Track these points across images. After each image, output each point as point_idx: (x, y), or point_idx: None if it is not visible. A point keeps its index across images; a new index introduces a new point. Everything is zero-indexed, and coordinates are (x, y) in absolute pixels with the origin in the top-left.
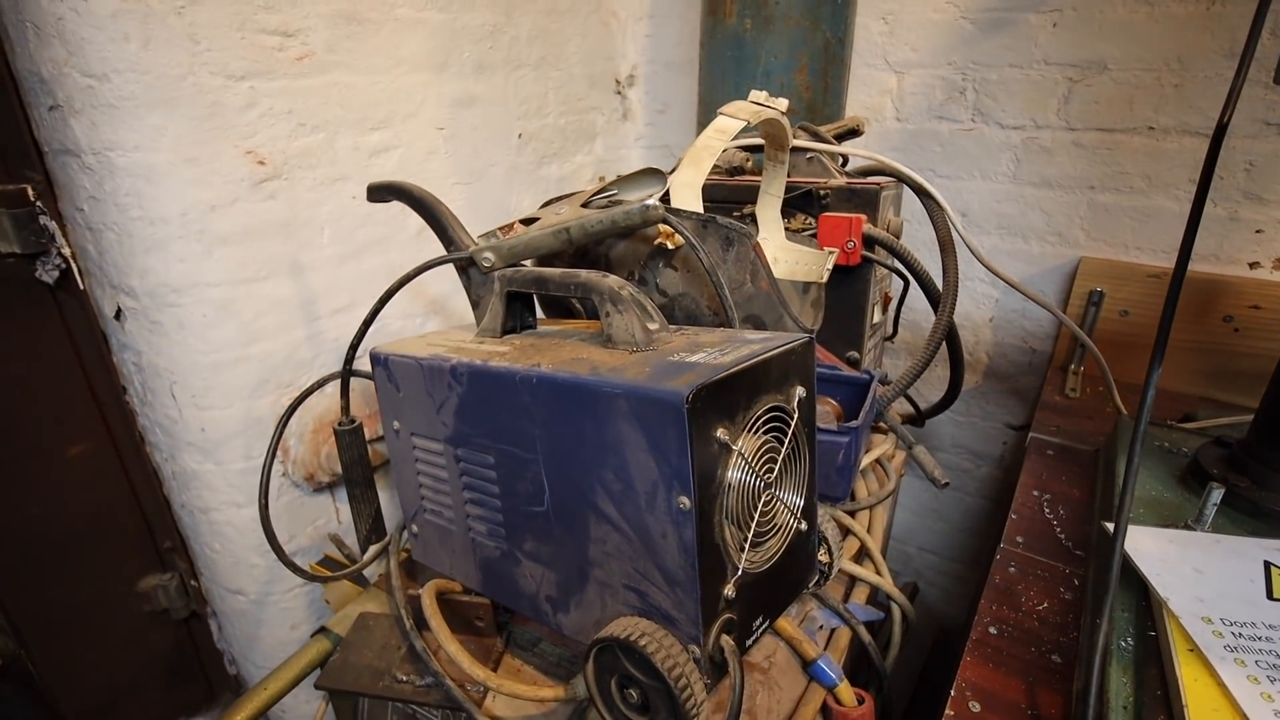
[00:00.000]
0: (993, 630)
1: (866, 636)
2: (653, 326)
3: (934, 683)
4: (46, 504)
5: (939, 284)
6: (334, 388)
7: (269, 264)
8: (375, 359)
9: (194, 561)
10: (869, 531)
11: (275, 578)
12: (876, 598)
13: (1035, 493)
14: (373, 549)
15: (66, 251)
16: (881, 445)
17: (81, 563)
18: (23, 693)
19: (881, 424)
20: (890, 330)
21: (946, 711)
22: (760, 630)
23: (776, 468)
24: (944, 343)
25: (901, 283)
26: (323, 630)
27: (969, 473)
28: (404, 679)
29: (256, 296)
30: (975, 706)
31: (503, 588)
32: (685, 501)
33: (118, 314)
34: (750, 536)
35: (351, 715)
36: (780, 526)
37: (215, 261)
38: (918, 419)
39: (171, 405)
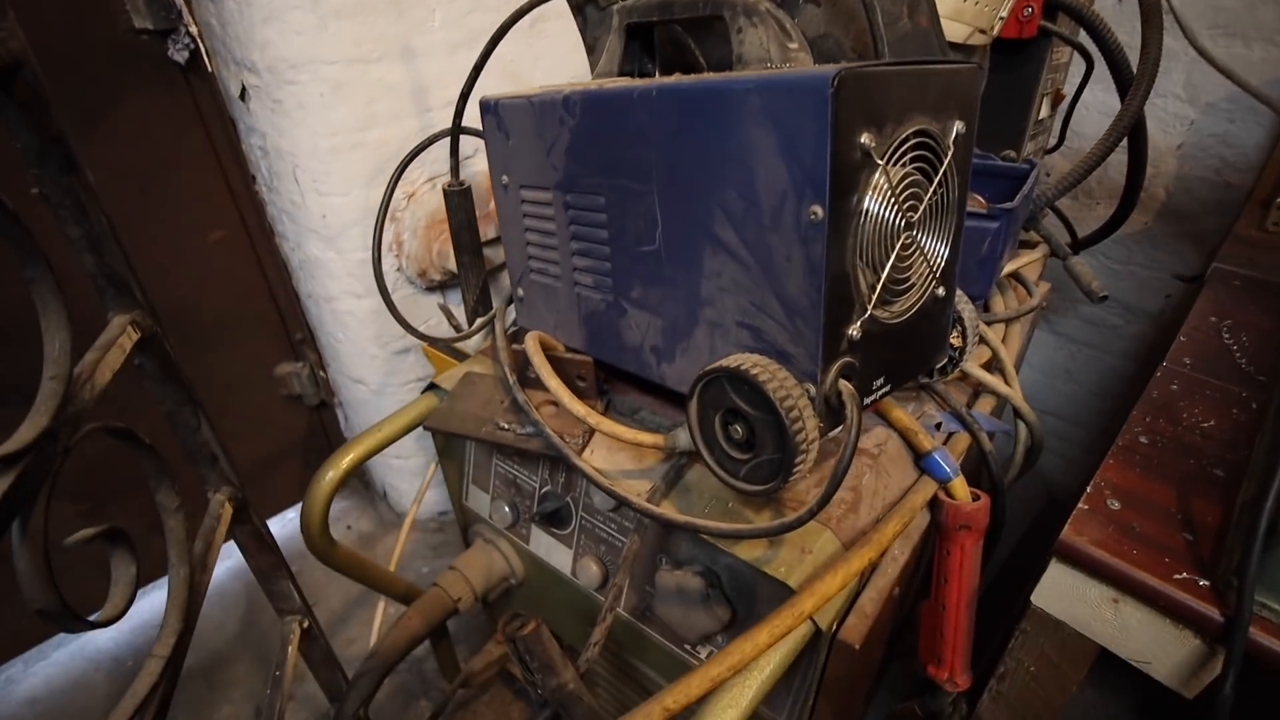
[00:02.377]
0: (1144, 439)
1: (988, 444)
2: (792, 45)
3: (1034, 549)
4: (195, 284)
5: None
6: (446, 173)
7: (381, 43)
8: (485, 106)
9: (321, 353)
10: (1004, 343)
11: (393, 369)
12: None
13: (1213, 319)
14: (480, 320)
15: (194, 29)
16: (1028, 256)
17: (227, 342)
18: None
19: (1031, 234)
20: (1056, 138)
21: (1080, 505)
22: (879, 393)
23: (921, 208)
24: (1128, 140)
25: (1078, 86)
26: (432, 386)
27: (1116, 330)
28: (506, 427)
29: (370, 79)
30: (1114, 504)
31: (607, 343)
32: (818, 211)
33: (242, 93)
34: (884, 279)
35: (458, 478)
36: (916, 281)
37: (330, 36)
38: (1073, 247)
39: (295, 190)
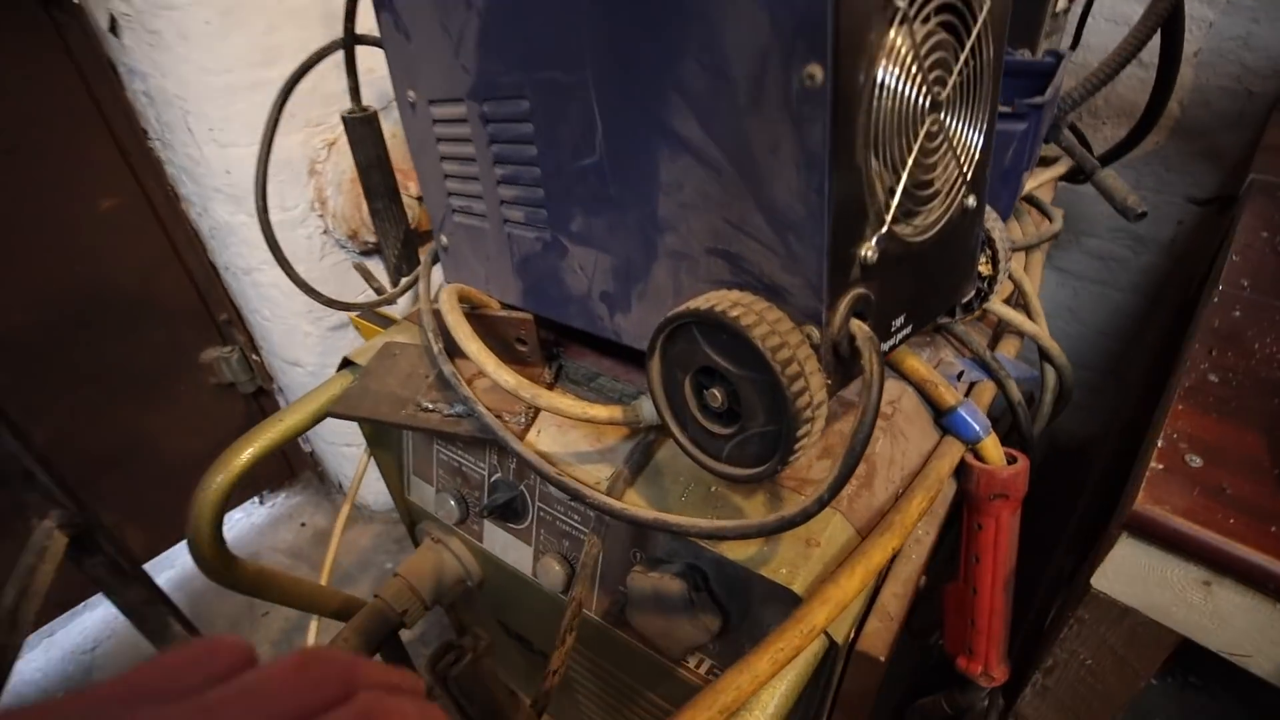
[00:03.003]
0: (1213, 377)
1: (1016, 394)
2: None
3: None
4: (90, 263)
5: None
6: None
7: None
8: (379, 3)
9: (251, 334)
10: (1025, 271)
11: (330, 347)
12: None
13: (1264, 234)
14: (405, 279)
15: None
16: (1052, 171)
17: (140, 327)
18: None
19: (1050, 148)
20: (1072, 38)
21: (1152, 464)
22: (899, 336)
23: (950, 83)
24: (1161, 29)
25: None
26: (347, 364)
27: (1124, 263)
28: (431, 407)
29: (268, 2)
30: (1194, 460)
31: (547, 293)
32: (816, 73)
33: (112, 25)
34: (905, 179)
35: (396, 469)
36: (943, 186)
37: None
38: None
39: (190, 142)
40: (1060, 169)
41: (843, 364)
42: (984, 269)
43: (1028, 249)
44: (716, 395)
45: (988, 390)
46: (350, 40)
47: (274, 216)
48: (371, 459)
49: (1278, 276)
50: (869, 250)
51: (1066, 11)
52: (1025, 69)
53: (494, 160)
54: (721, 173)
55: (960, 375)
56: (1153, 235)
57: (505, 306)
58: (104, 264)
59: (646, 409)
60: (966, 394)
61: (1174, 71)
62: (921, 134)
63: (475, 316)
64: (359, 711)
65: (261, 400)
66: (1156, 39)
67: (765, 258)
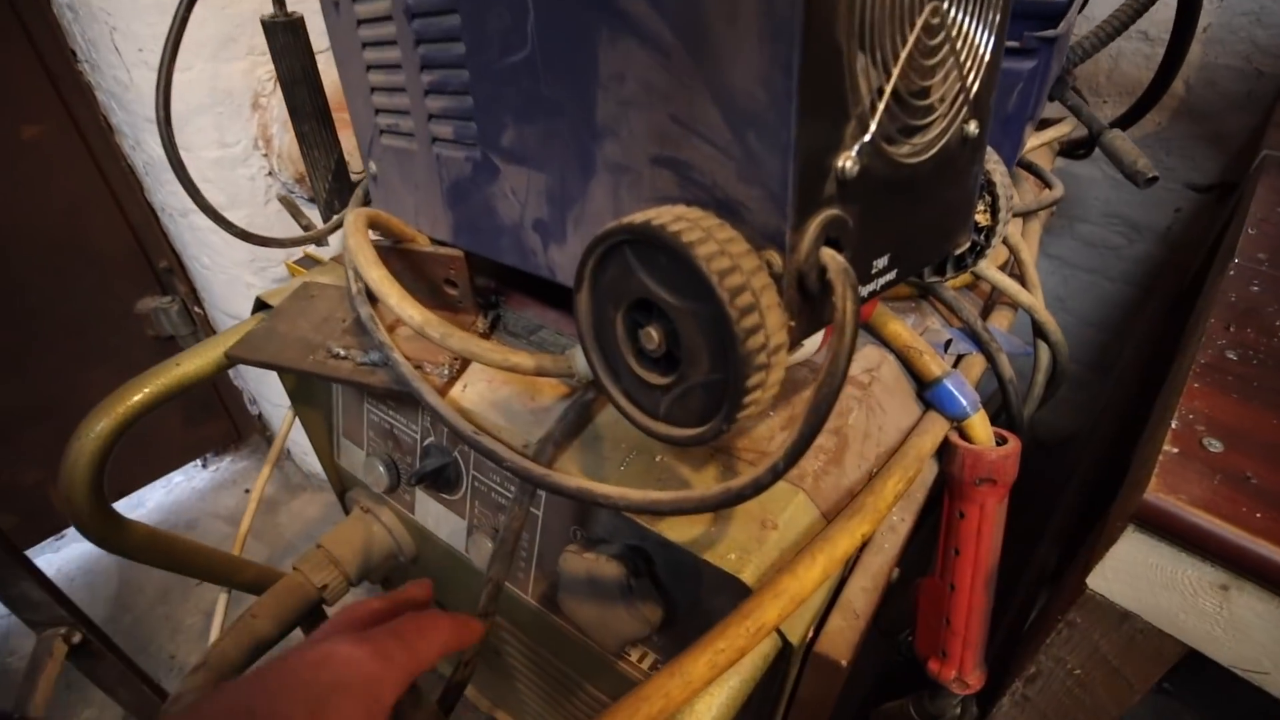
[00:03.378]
0: (1232, 355)
1: (1008, 370)
2: None
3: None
4: (10, 196)
5: None
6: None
7: None
8: None
9: (193, 283)
10: (1023, 236)
11: None
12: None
13: None
14: (336, 216)
15: None
16: (1057, 130)
17: (66, 272)
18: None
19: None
20: None
21: (1166, 448)
22: (881, 282)
23: None
24: None
25: None
26: (262, 306)
27: (1116, 251)
28: (343, 354)
29: None
30: (1214, 445)
31: (478, 224)
32: None
33: None
34: (894, 78)
35: (325, 430)
36: (943, 98)
37: None
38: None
39: (118, 64)
40: (1065, 128)
41: (810, 303)
42: (981, 218)
43: (1025, 215)
44: (653, 335)
45: (975, 365)
46: None
47: (211, 154)
48: (297, 418)
49: None
50: (848, 161)
51: None
52: (1034, 9)
53: (420, 65)
54: (669, 56)
55: (948, 345)
56: (1149, 223)
57: (435, 243)
58: (26, 198)
59: (579, 361)
60: (954, 365)
61: (1189, 33)
62: (919, 24)
63: (399, 252)
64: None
65: None
66: (1170, 7)
67: (719, 165)
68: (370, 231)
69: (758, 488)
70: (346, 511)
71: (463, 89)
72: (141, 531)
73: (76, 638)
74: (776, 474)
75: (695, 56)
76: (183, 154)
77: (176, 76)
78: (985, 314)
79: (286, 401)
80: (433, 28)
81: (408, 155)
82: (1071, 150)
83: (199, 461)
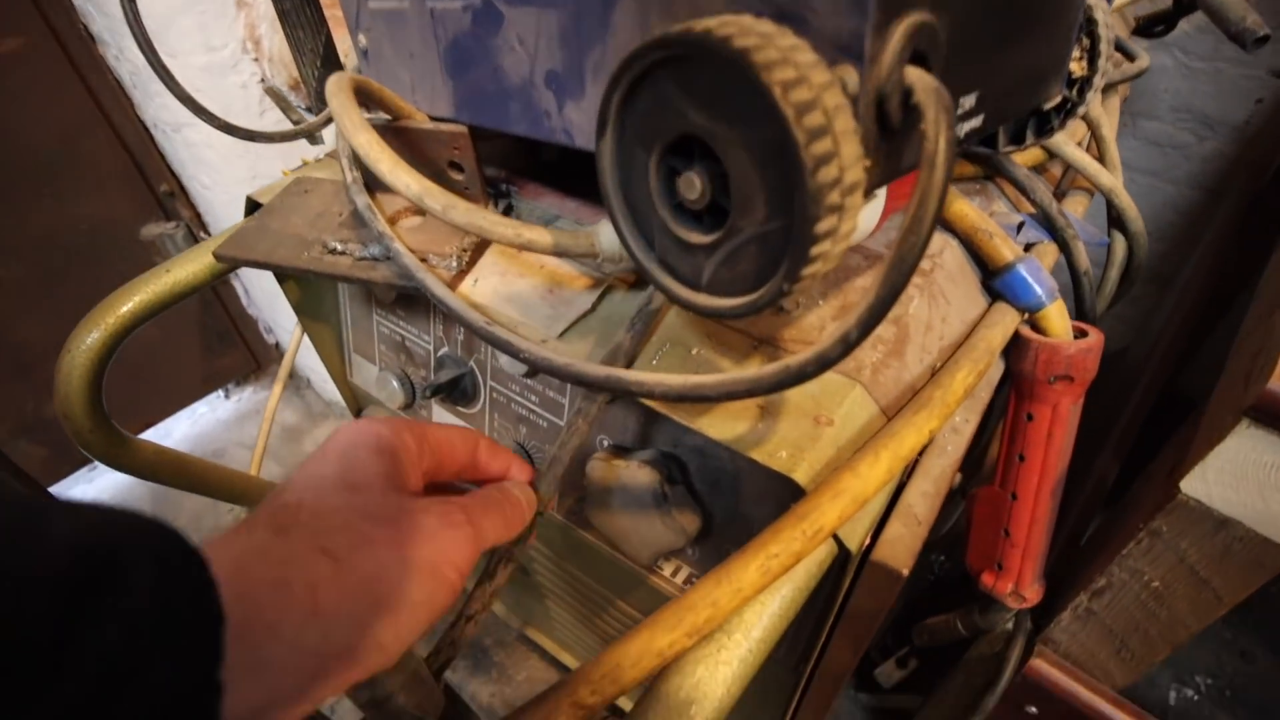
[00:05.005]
0: None
1: (1084, 260)
2: None
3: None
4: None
5: None
6: None
7: None
8: None
9: (196, 207)
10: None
11: None
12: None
13: None
14: (327, 110)
15: None
16: None
17: (65, 198)
18: None
19: None
20: None
21: None
22: (967, 128)
23: None
24: None
25: None
26: (254, 206)
27: (1184, 149)
28: (340, 248)
29: None
30: None
31: (482, 93)
32: None
33: None
34: None
35: (336, 347)
36: None
37: None
38: (1168, 18)
39: None
40: None
41: (889, 139)
42: (1077, 67)
43: (1106, 88)
44: (695, 182)
45: (1047, 256)
46: None
47: (198, 59)
48: (306, 335)
49: None
50: None
51: None
52: None
53: None
54: None
55: (1020, 228)
56: (1223, 117)
57: (434, 119)
58: (14, 118)
59: (604, 235)
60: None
61: None
62: None
63: (395, 130)
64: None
65: (218, 288)
66: None
67: None
68: (363, 111)
69: (823, 364)
70: None
71: None
72: (148, 449)
73: None
74: (848, 345)
75: None
76: (168, 61)
77: None
78: (1060, 195)
79: (294, 334)
80: None
81: (399, 18)
82: (1149, 27)
83: (221, 392)
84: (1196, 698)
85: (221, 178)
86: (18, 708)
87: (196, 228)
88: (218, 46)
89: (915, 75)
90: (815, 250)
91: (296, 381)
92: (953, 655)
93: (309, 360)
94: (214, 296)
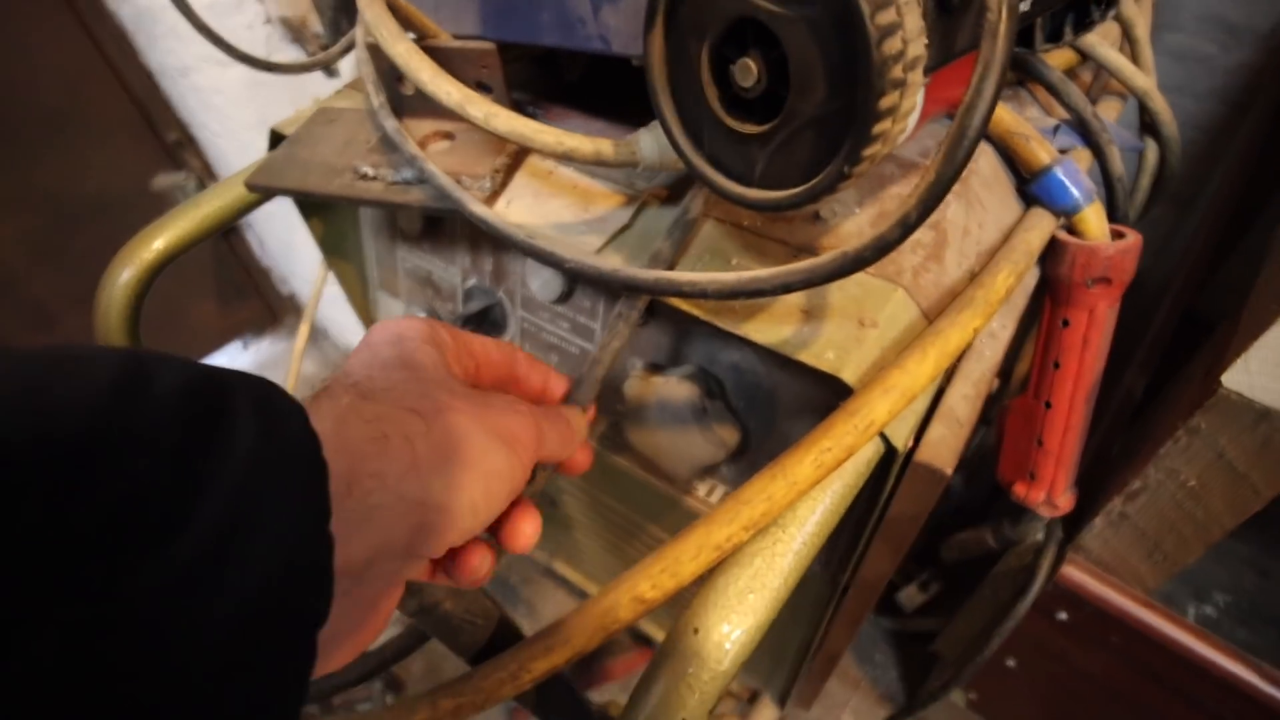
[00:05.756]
0: None
1: (1119, 166)
2: None
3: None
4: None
5: None
6: None
7: None
8: None
9: (205, 157)
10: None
11: None
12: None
13: None
14: (346, 37)
15: None
16: None
17: (75, 149)
18: None
19: None
20: None
21: None
22: (1021, 9)
23: None
24: None
25: None
26: (278, 139)
27: (1207, 62)
28: (371, 173)
29: None
30: None
31: (511, 5)
32: None
33: None
34: None
35: (359, 283)
36: None
37: None
38: None
39: None
40: None
41: (946, 17)
42: None
43: None
44: (751, 67)
45: (1080, 161)
46: None
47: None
48: (330, 272)
49: None
50: None
51: None
52: None
53: None
54: None
55: (1056, 132)
56: (1251, 24)
57: (459, 38)
58: (15, 69)
59: (645, 143)
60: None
61: None
62: None
63: (420, 48)
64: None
65: (232, 240)
66: None
67: None
68: None
69: (882, 248)
70: None
71: None
72: None
73: None
74: (908, 228)
75: None
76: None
77: None
78: (1093, 98)
79: (312, 276)
80: None
81: None
82: None
83: (240, 343)
84: (1215, 614)
85: (231, 123)
86: (137, 561)
87: (207, 178)
88: None
89: None
90: (878, 128)
91: (314, 332)
92: (974, 578)
93: (327, 310)
94: (228, 249)
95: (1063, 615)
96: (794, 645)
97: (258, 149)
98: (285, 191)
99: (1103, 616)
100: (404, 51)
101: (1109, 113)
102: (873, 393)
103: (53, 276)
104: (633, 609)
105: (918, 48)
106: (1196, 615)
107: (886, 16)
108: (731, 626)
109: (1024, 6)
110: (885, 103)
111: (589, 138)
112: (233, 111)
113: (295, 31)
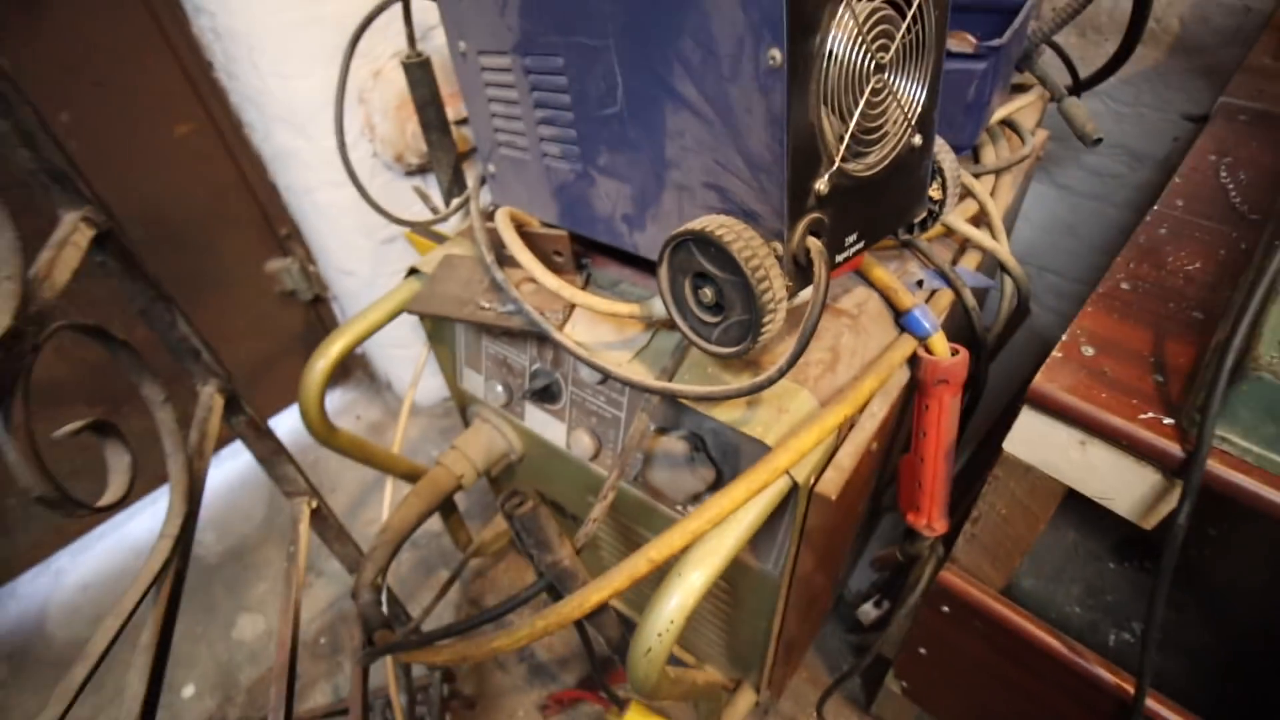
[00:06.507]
0: (1125, 285)
1: (970, 299)
2: None
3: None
4: (168, 182)
5: None
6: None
7: None
8: None
9: (309, 246)
10: (992, 196)
11: (381, 258)
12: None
13: (1212, 157)
14: (456, 200)
15: None
16: (1021, 100)
17: (213, 241)
18: None
19: (1028, 75)
20: None
21: (1054, 353)
22: (853, 250)
23: (893, 48)
24: None
25: None
26: (414, 272)
27: (1120, 179)
28: (487, 306)
29: None
30: (1088, 350)
31: (579, 214)
32: (776, 55)
33: None
34: (853, 128)
35: (451, 361)
36: (890, 130)
37: None
38: (1075, 88)
39: (254, 74)
40: (1032, 97)
41: (801, 270)
42: (935, 194)
43: (997, 172)
44: (708, 293)
45: (945, 297)
46: None
47: (329, 142)
48: (431, 353)
49: (1211, 198)
50: (822, 184)
51: None
52: (997, 5)
53: (534, 105)
54: (711, 125)
55: (920, 283)
56: (1149, 152)
57: (544, 225)
58: (183, 182)
59: (657, 306)
60: (927, 300)
61: (1146, 7)
62: (867, 91)
63: (521, 234)
64: None
65: (318, 307)
66: None
67: (744, 190)
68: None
69: (770, 381)
70: (467, 424)
71: (569, 125)
72: (346, 435)
73: (314, 504)
74: (781, 372)
75: (728, 129)
76: (305, 144)
77: (299, 83)
78: (960, 255)
79: (388, 342)
80: (545, 83)
81: (522, 163)
82: (1052, 95)
83: None
84: (1132, 640)
85: (338, 227)
86: None
87: (307, 262)
88: (345, 131)
89: (811, 243)
90: (764, 329)
91: (378, 384)
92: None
93: (391, 367)
94: (316, 317)
95: (945, 609)
96: (761, 636)
97: (356, 245)
98: (434, 315)
99: (968, 608)
100: (528, 261)
101: (973, 260)
102: (779, 451)
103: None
104: (647, 566)
105: (781, 293)
106: (1116, 640)
107: (765, 285)
108: (700, 573)
109: (858, 246)
110: (766, 318)
111: (626, 303)
112: (340, 218)
113: (392, 162)
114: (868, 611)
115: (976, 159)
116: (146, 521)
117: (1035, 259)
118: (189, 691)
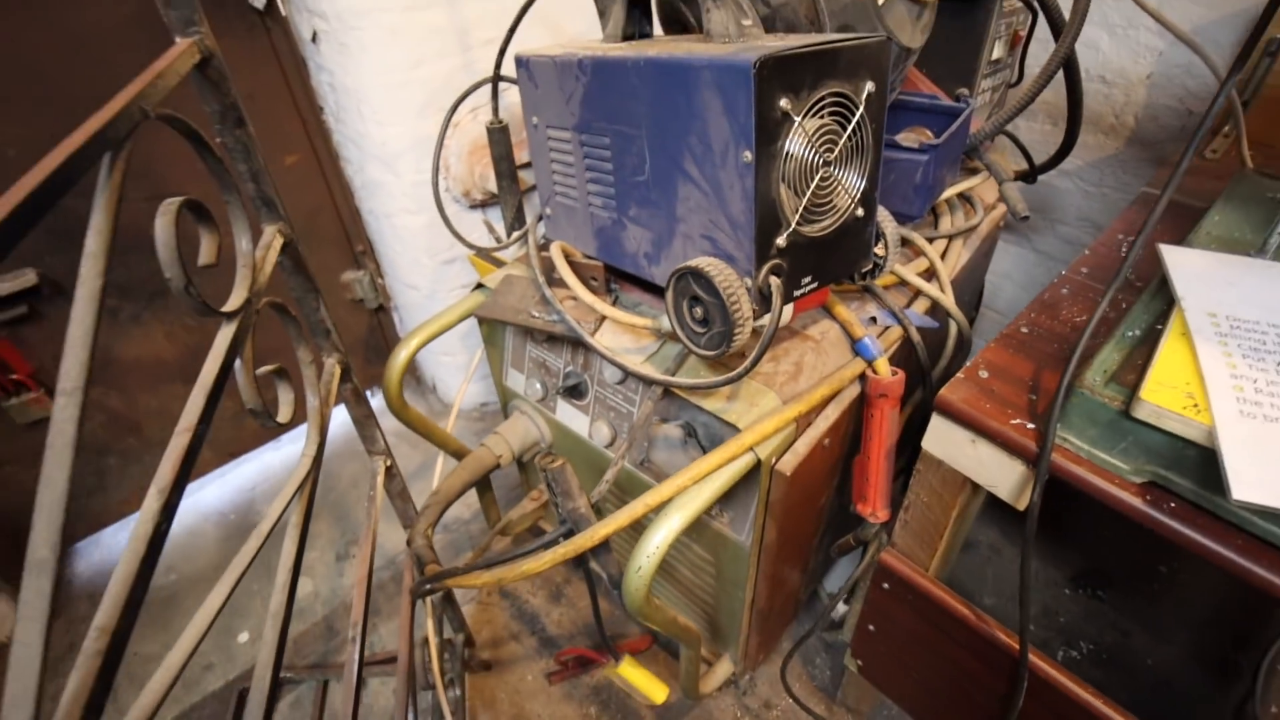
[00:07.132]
0: (1024, 329)
1: (916, 335)
2: (746, 22)
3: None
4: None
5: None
6: (487, 102)
7: None
8: (519, 61)
9: (379, 262)
10: (942, 258)
11: (441, 276)
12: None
13: (1120, 235)
14: (516, 233)
15: None
16: (971, 181)
17: (306, 251)
18: None
19: (977, 163)
20: (1015, 75)
21: (958, 375)
22: (808, 288)
23: (837, 149)
24: (1065, 80)
25: (1028, 31)
26: (480, 286)
27: (1087, 247)
28: (537, 315)
29: (420, 23)
30: (984, 374)
31: (613, 250)
32: (748, 155)
33: (314, 37)
34: (805, 203)
35: (499, 361)
36: (838, 204)
37: None
38: (1030, 174)
39: (359, 121)
40: (979, 179)
41: (765, 300)
42: (881, 251)
43: (950, 238)
44: (698, 311)
45: (895, 332)
46: (496, 79)
47: (412, 177)
48: (477, 359)
49: (1109, 268)
50: (782, 240)
51: (1011, 56)
52: (945, 110)
53: (586, 169)
54: (708, 195)
55: (874, 319)
56: (1110, 225)
57: (585, 257)
58: (289, 204)
59: (664, 321)
60: (880, 334)
61: (1078, 114)
62: (816, 179)
63: (568, 260)
64: None
65: (380, 316)
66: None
67: (727, 241)
68: (545, 253)
69: (738, 376)
70: (506, 415)
71: (609, 185)
72: (414, 412)
73: (389, 463)
74: (745, 371)
75: (718, 199)
76: (392, 178)
77: (392, 130)
78: (913, 302)
79: (435, 348)
80: (595, 154)
81: (572, 209)
82: (1022, 177)
83: (369, 391)
84: (1079, 657)
85: (408, 246)
86: None
87: (377, 275)
88: (424, 170)
89: (772, 280)
90: (735, 338)
91: (424, 387)
92: None
93: (438, 371)
94: (378, 324)
95: (885, 585)
96: (738, 605)
97: (421, 263)
98: (496, 319)
99: (903, 584)
100: (574, 283)
101: (922, 305)
102: (746, 432)
103: (276, 331)
104: (643, 509)
105: (748, 314)
106: (1064, 657)
107: (737, 308)
108: (679, 516)
109: (812, 286)
110: (737, 330)
111: (644, 318)
112: (411, 239)
113: (460, 196)
114: (841, 610)
115: (937, 225)
116: (214, 491)
117: (1016, 311)
118: (244, 637)
